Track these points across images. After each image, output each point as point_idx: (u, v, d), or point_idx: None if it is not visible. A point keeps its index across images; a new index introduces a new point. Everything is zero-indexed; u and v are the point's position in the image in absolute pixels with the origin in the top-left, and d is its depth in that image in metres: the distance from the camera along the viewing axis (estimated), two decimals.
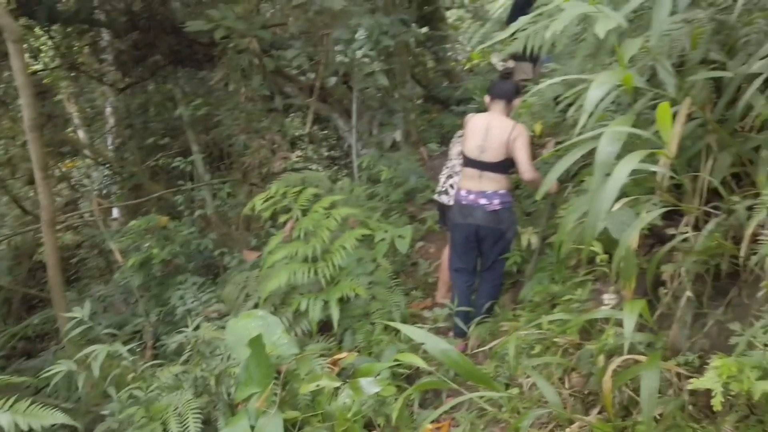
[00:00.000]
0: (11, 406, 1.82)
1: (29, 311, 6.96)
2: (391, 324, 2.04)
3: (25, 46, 6.63)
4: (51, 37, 7.26)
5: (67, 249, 7.63)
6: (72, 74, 8.06)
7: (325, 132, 8.31)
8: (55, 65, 7.71)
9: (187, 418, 2.64)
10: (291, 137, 7.22)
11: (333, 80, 6.93)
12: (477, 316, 3.74)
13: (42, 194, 4.01)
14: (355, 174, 6.26)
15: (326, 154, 8.40)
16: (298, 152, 7.23)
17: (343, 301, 3.85)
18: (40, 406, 1.89)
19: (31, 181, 7.23)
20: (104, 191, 7.05)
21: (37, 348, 6.25)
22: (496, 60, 6.19)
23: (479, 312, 3.75)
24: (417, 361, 2.28)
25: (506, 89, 3.83)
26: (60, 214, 6.79)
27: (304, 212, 4.21)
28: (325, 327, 4.00)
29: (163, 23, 7.20)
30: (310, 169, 6.36)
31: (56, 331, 6.05)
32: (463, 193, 3.77)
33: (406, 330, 1.80)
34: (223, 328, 3.22)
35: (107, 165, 7.63)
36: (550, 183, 2.05)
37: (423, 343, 3.26)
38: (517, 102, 3.87)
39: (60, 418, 1.89)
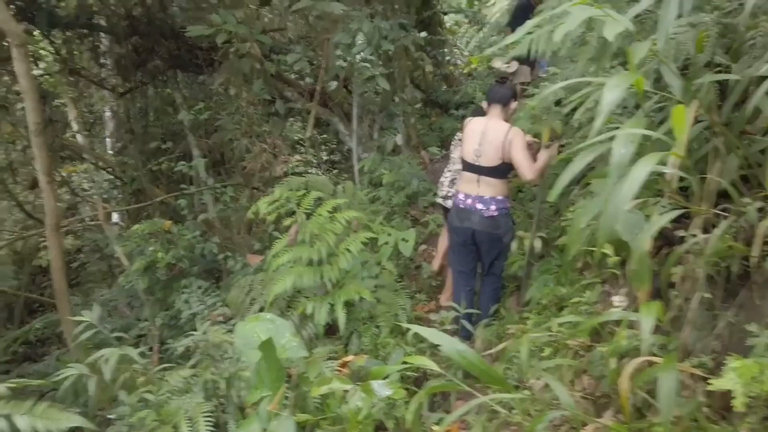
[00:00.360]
0: (29, 409, 1.82)
1: (30, 315, 6.93)
2: (406, 326, 2.05)
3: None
4: (51, 42, 7.25)
5: (68, 253, 7.61)
6: (72, 79, 8.04)
7: (325, 136, 8.33)
8: (56, 70, 7.70)
9: (198, 421, 2.64)
10: (291, 141, 7.23)
11: (333, 84, 6.95)
12: (481, 318, 3.76)
13: (47, 198, 4.01)
14: (356, 178, 6.27)
15: (326, 158, 8.42)
16: (299, 156, 7.24)
17: (348, 305, 3.86)
18: (54, 409, 1.89)
19: (31, 186, 7.22)
20: (105, 196, 7.04)
21: (38, 352, 6.22)
22: (500, 63, 6.24)
23: (484, 315, 3.77)
24: (428, 363, 2.29)
25: (502, 94, 3.86)
26: (62, 218, 6.74)
27: (308, 216, 4.22)
28: (330, 330, 4.01)
29: (162, 28, 7.21)
30: (311, 173, 6.37)
31: (58, 336, 6.03)
32: (460, 196, 3.80)
33: (422, 332, 1.81)
34: (231, 331, 3.22)
35: (108, 169, 7.62)
36: (561, 186, 2.06)
37: (431, 346, 3.29)
38: (513, 106, 3.90)
39: (77, 420, 1.89)
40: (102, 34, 7.81)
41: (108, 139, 8.24)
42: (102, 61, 8.20)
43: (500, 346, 2.74)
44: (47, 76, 7.90)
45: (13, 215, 7.70)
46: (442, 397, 3.21)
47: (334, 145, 8.31)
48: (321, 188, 5.18)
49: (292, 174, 6.05)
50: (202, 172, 6.15)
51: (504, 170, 3.68)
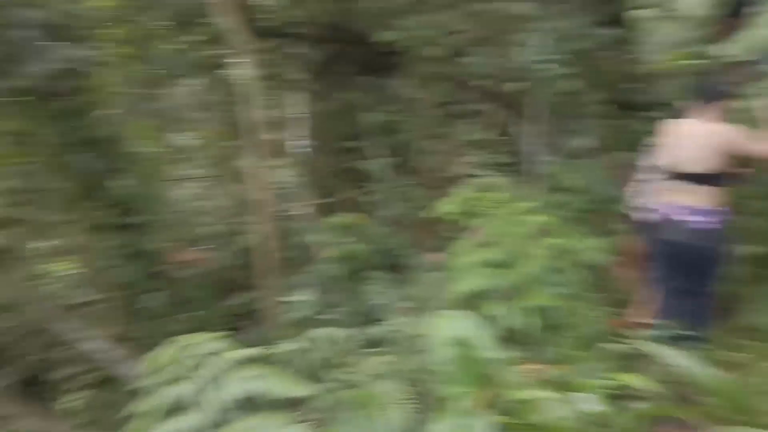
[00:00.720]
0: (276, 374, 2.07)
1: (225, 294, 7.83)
2: (616, 341, 1.95)
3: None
4: (260, 50, 8.12)
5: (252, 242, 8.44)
6: (271, 82, 8.93)
7: (504, 137, 8.25)
8: (260, 74, 8.62)
9: (396, 407, 2.77)
10: (469, 142, 7.28)
11: (514, 85, 6.86)
12: (684, 340, 3.42)
13: (260, 189, 4.52)
14: (537, 181, 6.11)
15: (504, 160, 8.32)
16: (475, 158, 7.25)
17: (535, 311, 3.77)
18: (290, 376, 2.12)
19: (235, 178, 8.16)
20: (295, 190, 7.74)
21: (232, 326, 6.99)
22: (726, 56, 5.63)
23: (689, 337, 3.43)
24: (640, 381, 2.16)
25: (714, 92, 3.51)
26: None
27: (492, 217, 4.21)
28: (510, 336, 3.95)
29: (351, 35, 7.69)
30: (489, 175, 6.34)
31: (250, 313, 6.73)
32: (661, 207, 3.52)
33: (655, 350, 1.70)
34: (420, 324, 3.33)
35: (299, 166, 8.37)
36: None
37: (631, 363, 3.08)
38: (724, 105, 3.51)
39: (309, 390, 2.11)
40: (298, 41, 8.58)
41: (299, 138, 9.02)
42: (296, 65, 9.01)
43: (721, 375, 2.48)
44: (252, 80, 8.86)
45: (218, 203, 8.75)
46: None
47: (513, 147, 8.19)
48: (503, 190, 5.13)
49: (469, 175, 6.08)
50: (384, 171, 6.45)
51: (713, 177, 3.33)
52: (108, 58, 5.96)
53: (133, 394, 4.93)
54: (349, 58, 7.94)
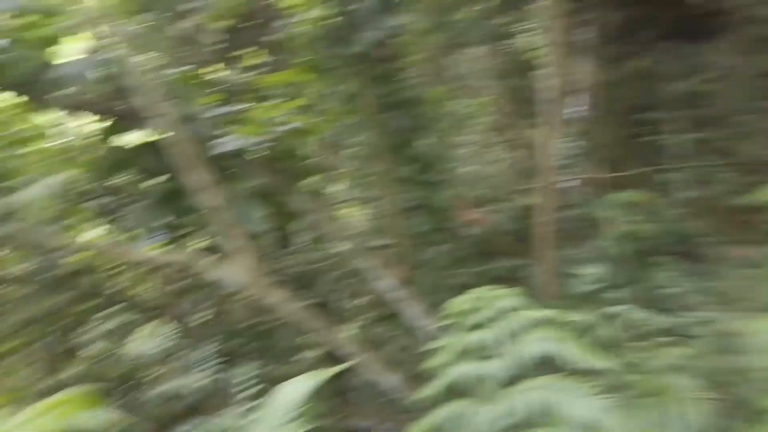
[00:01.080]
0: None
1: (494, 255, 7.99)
2: None
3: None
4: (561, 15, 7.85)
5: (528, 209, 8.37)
6: (563, 49, 8.57)
7: None
8: (557, 40, 8.37)
9: (694, 404, 2.53)
10: None
11: None
12: None
13: (545, 158, 4.48)
14: None
15: None
16: None
17: None
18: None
19: (516, 146, 8.21)
20: (576, 161, 7.44)
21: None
22: None
23: None
24: None
25: None
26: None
27: None
28: None
29: None
30: None
31: (517, 278, 6.78)
32: None
33: None
34: (734, 323, 2.94)
35: (581, 136, 7.99)
36: None
37: None
38: None
39: (606, 364, 2.08)
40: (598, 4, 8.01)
41: (581, 107, 8.57)
42: (590, 30, 8.46)
43: None
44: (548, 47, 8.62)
45: (499, 168, 8.89)
46: None
47: None
48: None
49: None
50: (685, 148, 5.75)
51: None
52: (415, 26, 6.46)
53: (410, 332, 5.45)
54: (654, 21, 7.15)
